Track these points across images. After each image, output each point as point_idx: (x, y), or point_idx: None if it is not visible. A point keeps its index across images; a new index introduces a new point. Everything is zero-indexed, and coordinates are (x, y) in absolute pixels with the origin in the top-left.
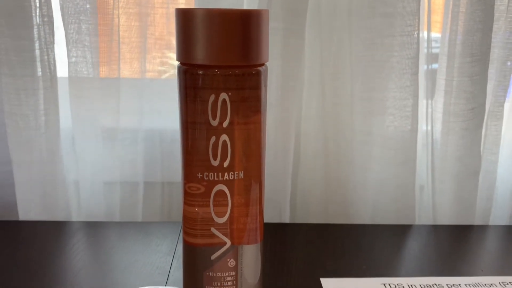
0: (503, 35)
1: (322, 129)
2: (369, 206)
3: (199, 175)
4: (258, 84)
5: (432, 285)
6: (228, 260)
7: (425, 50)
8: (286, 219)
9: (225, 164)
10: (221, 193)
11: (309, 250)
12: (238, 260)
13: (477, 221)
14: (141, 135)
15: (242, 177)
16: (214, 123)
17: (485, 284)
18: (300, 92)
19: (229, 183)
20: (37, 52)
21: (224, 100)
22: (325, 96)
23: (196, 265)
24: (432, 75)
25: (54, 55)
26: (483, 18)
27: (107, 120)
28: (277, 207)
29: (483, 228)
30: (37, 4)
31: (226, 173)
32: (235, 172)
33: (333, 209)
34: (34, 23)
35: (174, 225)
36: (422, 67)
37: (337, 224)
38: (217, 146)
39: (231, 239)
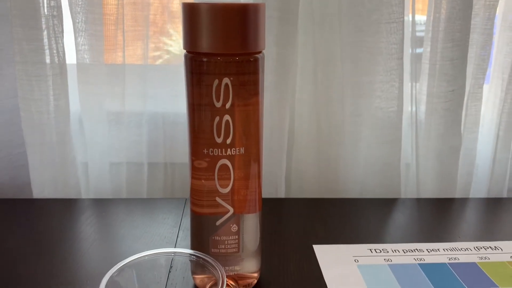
0: (481, 22)
1: (314, 111)
2: (358, 182)
3: (205, 151)
4: (256, 69)
5: (414, 250)
6: (231, 225)
7: (410, 35)
8: (282, 194)
9: (228, 141)
10: (224, 167)
11: (303, 221)
12: (240, 226)
13: (458, 195)
14: (145, 118)
15: (243, 152)
16: (218, 104)
17: (461, 249)
18: (294, 76)
19: (231, 158)
20: (46, 41)
21: (226, 84)
22: (317, 80)
23: (203, 230)
24: (416, 59)
25: (63, 43)
26: (462, 6)
27: (113, 104)
28: (274, 184)
29: (463, 200)
30: None
31: (228, 149)
32: (237, 148)
33: (325, 185)
34: (42, 13)
35: (178, 201)
36: (408, 50)
37: (329, 198)
38: (221, 125)
39: (234, 208)
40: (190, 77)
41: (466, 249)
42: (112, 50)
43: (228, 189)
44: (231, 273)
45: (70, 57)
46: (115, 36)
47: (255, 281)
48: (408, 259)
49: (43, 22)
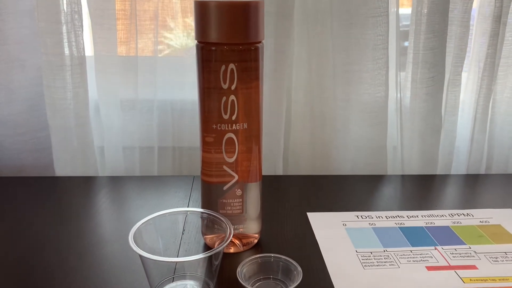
0: (459, 15)
1: (309, 97)
2: (349, 161)
3: (214, 126)
4: (256, 57)
5: (395, 216)
6: (236, 190)
7: (395, 28)
8: (280, 172)
9: (233, 117)
10: (230, 140)
11: (299, 194)
12: (244, 191)
13: (439, 172)
14: (155, 105)
15: (246, 127)
16: (225, 87)
17: (437, 215)
18: (290, 65)
19: (236, 132)
20: (65, 34)
21: (232, 70)
22: (311, 69)
23: (212, 195)
24: (401, 50)
25: (82, 37)
26: (441, 2)
27: (127, 92)
28: (272, 162)
29: (443, 176)
30: None
31: (233, 124)
32: (240, 124)
33: (318, 164)
34: (62, 10)
35: (187, 178)
36: (394, 42)
37: (322, 175)
38: (227, 104)
39: (238, 175)
40: (201, 64)
41: (442, 215)
42: (126, 42)
43: (233, 159)
44: (235, 232)
45: (88, 49)
46: (129, 30)
47: (256, 240)
48: (390, 223)
49: (62, 18)
